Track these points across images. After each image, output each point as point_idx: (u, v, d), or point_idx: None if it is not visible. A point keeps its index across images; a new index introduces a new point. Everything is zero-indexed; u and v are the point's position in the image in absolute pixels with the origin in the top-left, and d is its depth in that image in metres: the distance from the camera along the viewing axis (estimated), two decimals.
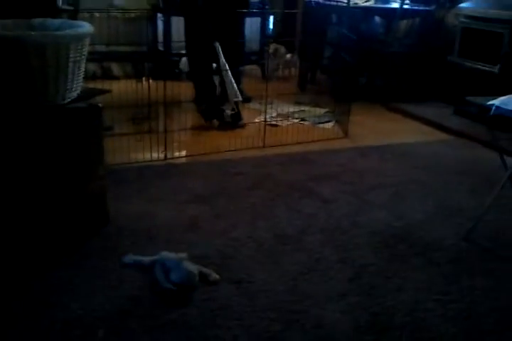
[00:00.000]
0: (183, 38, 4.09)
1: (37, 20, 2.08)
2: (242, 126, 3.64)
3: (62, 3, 3.88)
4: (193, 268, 1.82)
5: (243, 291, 1.81)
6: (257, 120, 3.76)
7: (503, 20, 3.69)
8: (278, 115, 3.92)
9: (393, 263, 2.03)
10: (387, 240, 2.21)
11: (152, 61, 4.79)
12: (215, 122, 3.63)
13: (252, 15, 4.72)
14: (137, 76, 4.49)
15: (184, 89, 3.70)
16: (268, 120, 3.59)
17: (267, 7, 5.15)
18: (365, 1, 4.68)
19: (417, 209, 2.51)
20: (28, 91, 1.86)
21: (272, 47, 5.15)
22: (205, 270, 1.87)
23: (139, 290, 1.79)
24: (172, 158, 3.07)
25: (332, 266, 1.99)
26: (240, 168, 2.94)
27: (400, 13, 4.44)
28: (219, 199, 2.53)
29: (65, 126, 1.97)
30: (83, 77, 2.06)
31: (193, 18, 3.86)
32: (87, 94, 2.10)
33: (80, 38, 1.91)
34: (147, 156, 3.02)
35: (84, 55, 1.98)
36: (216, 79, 4.12)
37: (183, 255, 1.87)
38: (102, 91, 2.28)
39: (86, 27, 1.97)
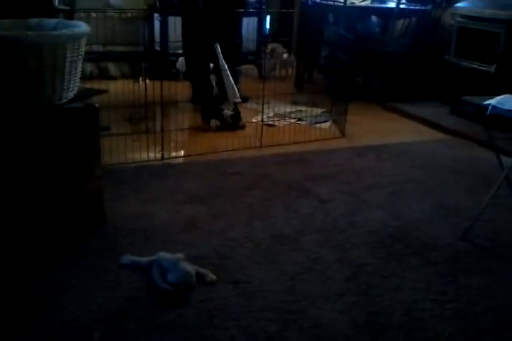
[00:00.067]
0: (179, 38, 4.09)
1: (33, 20, 2.08)
2: (243, 127, 3.64)
3: (59, 3, 3.88)
4: (190, 268, 1.82)
5: (240, 291, 1.81)
6: (254, 120, 3.76)
7: (500, 19, 3.69)
8: (275, 115, 3.92)
9: (390, 263, 2.03)
10: (384, 240, 2.21)
11: (149, 61, 4.78)
12: (213, 122, 3.63)
13: (249, 15, 4.71)
14: (134, 76, 4.49)
15: (181, 89, 3.69)
16: (265, 120, 3.59)
17: (263, 7, 5.15)
18: (362, 1, 4.68)
19: (414, 209, 2.51)
20: (24, 91, 1.85)
21: (270, 46, 5.15)
22: (202, 270, 1.87)
23: (136, 291, 1.79)
24: (169, 158, 3.07)
25: (329, 265, 2.00)
26: (237, 168, 2.94)
27: (397, 12, 4.44)
28: (216, 200, 2.52)
29: (61, 126, 1.97)
30: (80, 77, 2.06)
31: (190, 18, 3.86)
32: (83, 94, 2.10)
33: (76, 37, 1.91)
34: (144, 156, 3.02)
35: (80, 55, 1.98)
36: (213, 79, 4.13)
37: (180, 255, 1.87)
38: (99, 92, 2.27)
39: (82, 27, 1.97)
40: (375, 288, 1.87)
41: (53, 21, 2.09)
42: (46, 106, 1.92)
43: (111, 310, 1.69)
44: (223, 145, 3.24)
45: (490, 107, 2.17)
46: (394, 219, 2.40)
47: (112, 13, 4.66)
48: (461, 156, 3.30)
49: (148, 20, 4.95)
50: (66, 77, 1.93)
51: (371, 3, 4.72)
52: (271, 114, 3.90)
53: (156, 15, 4.91)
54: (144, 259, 1.90)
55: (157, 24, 4.91)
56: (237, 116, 3.62)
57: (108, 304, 1.71)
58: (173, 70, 4.73)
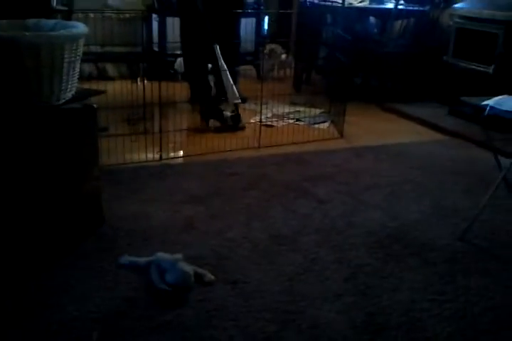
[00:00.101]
0: (177, 39, 4.09)
1: (31, 21, 2.07)
2: (243, 128, 3.64)
3: (57, 3, 3.88)
4: (188, 268, 1.82)
5: (239, 292, 1.81)
6: (252, 120, 3.76)
7: (498, 20, 3.70)
8: (273, 115, 3.92)
9: (389, 264, 2.03)
10: (382, 240, 2.21)
11: (147, 62, 4.78)
12: (212, 122, 3.62)
13: (247, 15, 4.71)
14: (132, 76, 4.49)
15: (179, 90, 3.69)
16: (263, 120, 3.59)
17: (262, 7, 5.15)
18: (360, 2, 4.69)
19: (412, 210, 2.51)
20: (22, 92, 1.85)
21: (268, 47, 5.15)
22: (200, 270, 1.87)
23: (134, 291, 1.79)
24: (167, 159, 3.06)
25: (328, 266, 2.00)
26: (236, 169, 2.94)
27: (395, 13, 4.44)
28: (214, 200, 2.52)
29: (59, 127, 1.96)
30: (78, 78, 2.06)
31: (189, 18, 3.86)
32: (81, 95, 2.10)
33: (74, 38, 1.91)
34: (142, 157, 3.02)
35: (78, 55, 1.98)
36: (211, 80, 4.13)
37: (179, 256, 1.87)
38: (97, 92, 2.27)
39: (80, 27, 1.97)
40: (374, 288, 1.87)
41: (51, 22, 2.09)
42: (44, 107, 1.92)
43: (109, 310, 1.69)
44: (221, 145, 3.24)
45: (488, 108, 2.18)
46: (392, 219, 2.40)
47: (110, 14, 4.66)
48: (459, 157, 3.30)
49: (147, 21, 4.95)
50: (64, 77, 1.92)
51: (369, 3, 4.73)
52: (269, 115, 3.90)
53: (154, 15, 4.91)
54: (142, 260, 1.90)
55: (155, 25, 4.91)
56: (237, 117, 3.62)
57: (106, 304, 1.71)
58: (172, 71, 4.73)
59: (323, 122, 3.93)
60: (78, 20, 3.19)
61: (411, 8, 4.58)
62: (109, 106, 2.83)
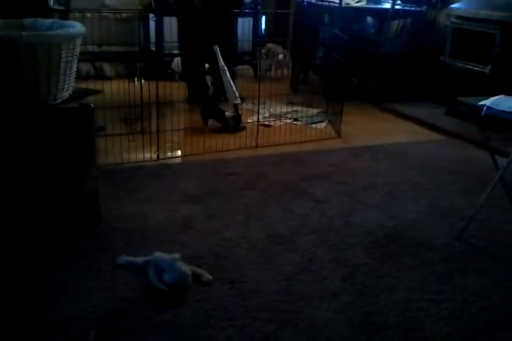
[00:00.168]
0: (175, 39, 4.09)
1: (28, 20, 2.07)
2: (244, 129, 3.63)
3: (54, 3, 3.87)
4: (186, 268, 1.82)
5: (236, 291, 1.81)
6: (249, 120, 3.76)
7: (495, 21, 3.71)
8: (271, 115, 3.92)
9: (386, 263, 2.03)
10: (379, 240, 2.21)
11: (144, 61, 4.78)
12: (211, 121, 3.62)
13: (245, 15, 4.71)
14: (129, 76, 4.46)
15: (176, 90, 3.69)
16: (261, 120, 3.59)
17: (259, 7, 5.15)
18: (357, 2, 4.69)
19: (410, 209, 2.52)
20: (19, 92, 1.85)
21: (265, 47, 5.15)
22: (198, 270, 1.87)
23: (132, 291, 1.79)
24: (165, 159, 3.06)
25: (325, 265, 2.00)
26: (233, 168, 2.94)
27: (392, 13, 4.45)
28: (212, 200, 2.52)
29: (56, 127, 1.96)
30: (75, 77, 2.05)
31: (186, 18, 3.86)
32: (78, 95, 2.09)
33: (71, 38, 1.91)
34: (140, 156, 3.01)
35: (75, 55, 1.97)
36: (208, 80, 4.12)
37: (176, 255, 1.86)
38: (94, 92, 2.27)
39: (77, 27, 1.97)
40: (371, 288, 1.87)
41: (48, 21, 2.09)
42: (41, 107, 1.91)
43: (107, 310, 1.68)
44: (219, 145, 3.24)
45: (485, 108, 2.18)
46: (389, 219, 2.40)
47: (107, 14, 4.66)
48: (456, 157, 3.30)
49: (144, 21, 4.94)
50: (61, 77, 1.92)
51: (366, 3, 4.73)
52: (267, 115, 3.90)
53: (151, 15, 4.91)
54: (140, 259, 1.90)
55: (152, 24, 4.91)
56: (237, 117, 3.62)
57: (104, 304, 1.71)
58: (169, 70, 4.73)
59: (321, 122, 3.94)
60: (75, 19, 3.19)
61: (408, 8, 4.59)
62: (107, 105, 2.83)
